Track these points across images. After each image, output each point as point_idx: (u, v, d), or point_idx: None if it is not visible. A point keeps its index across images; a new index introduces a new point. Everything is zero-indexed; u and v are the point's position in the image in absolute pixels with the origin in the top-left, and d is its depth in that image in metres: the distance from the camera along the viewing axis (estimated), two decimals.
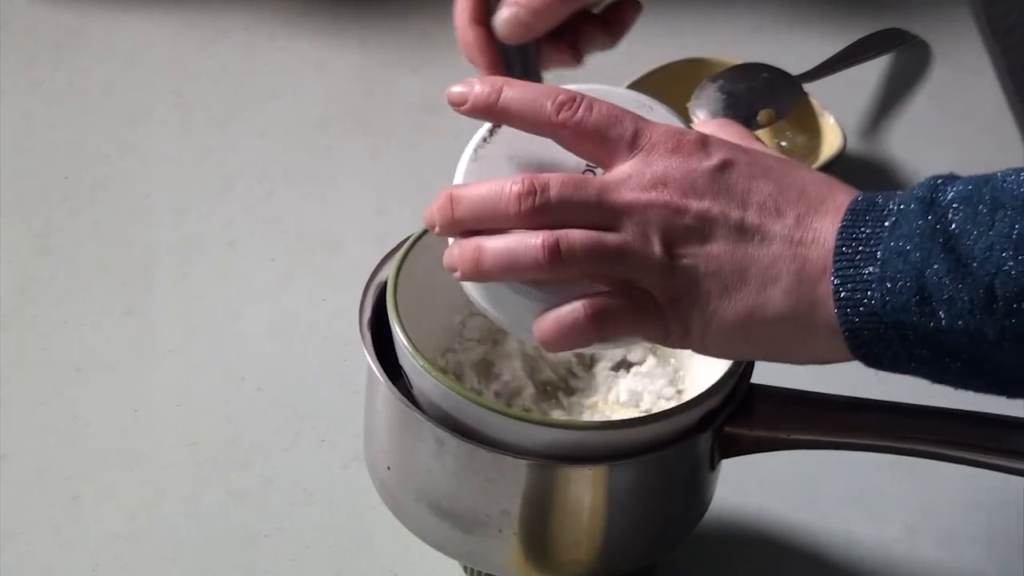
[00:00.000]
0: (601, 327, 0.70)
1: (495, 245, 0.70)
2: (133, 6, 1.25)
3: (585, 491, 0.79)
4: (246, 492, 0.92)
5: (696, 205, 0.69)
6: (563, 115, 0.70)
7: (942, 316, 0.65)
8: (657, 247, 0.69)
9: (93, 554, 0.89)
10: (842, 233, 0.67)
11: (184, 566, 0.89)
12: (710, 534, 0.89)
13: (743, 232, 0.68)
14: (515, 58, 0.80)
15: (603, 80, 0.76)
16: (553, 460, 0.77)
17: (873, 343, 0.67)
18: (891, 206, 0.67)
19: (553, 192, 0.69)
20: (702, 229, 0.69)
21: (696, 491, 0.83)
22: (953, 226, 0.65)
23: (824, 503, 0.94)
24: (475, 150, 0.74)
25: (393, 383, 0.79)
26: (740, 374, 0.80)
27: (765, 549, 0.91)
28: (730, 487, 0.87)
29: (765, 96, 1.14)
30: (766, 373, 0.81)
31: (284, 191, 1.12)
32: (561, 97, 0.71)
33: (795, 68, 1.18)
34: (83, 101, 1.18)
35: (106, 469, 0.93)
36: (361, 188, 1.12)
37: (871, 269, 0.65)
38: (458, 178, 0.74)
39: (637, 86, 1.13)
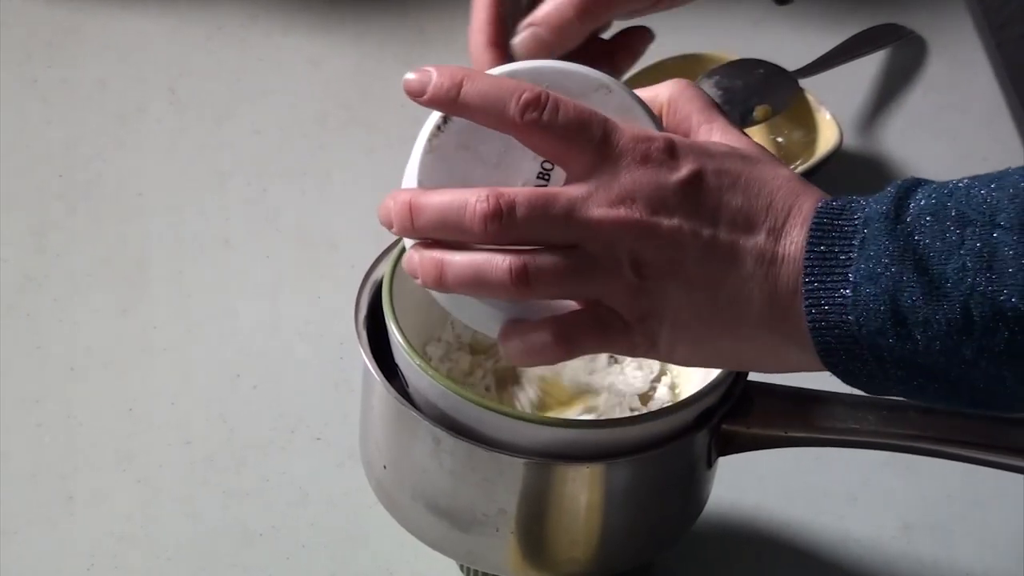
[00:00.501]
0: (567, 348, 0.70)
1: (460, 263, 0.69)
2: (127, 3, 1.24)
3: (582, 489, 0.79)
4: (241, 491, 0.92)
5: (666, 224, 0.67)
6: (528, 117, 0.68)
7: (918, 338, 0.64)
8: (626, 268, 0.68)
9: (88, 553, 0.88)
10: (809, 253, 0.66)
11: (179, 565, 0.88)
12: (707, 532, 0.89)
13: (714, 251, 0.67)
14: None
15: None
16: (550, 459, 0.77)
17: (849, 361, 0.67)
18: (856, 219, 0.66)
19: (520, 212, 0.68)
20: (672, 249, 0.67)
21: (693, 489, 0.83)
22: (921, 245, 0.64)
23: (821, 500, 0.93)
24: (429, 140, 0.71)
25: (389, 381, 0.79)
26: (737, 372, 0.79)
27: (762, 547, 0.91)
28: (727, 485, 0.87)
29: (761, 92, 1.13)
30: None
31: (279, 188, 1.12)
32: (526, 96, 0.68)
33: (791, 64, 1.18)
34: (77, 98, 1.17)
35: (101, 468, 0.93)
36: (357, 185, 1.12)
37: (844, 292, 0.65)
38: (411, 171, 0.72)
39: (632, 82, 1.13)
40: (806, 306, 0.66)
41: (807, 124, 1.15)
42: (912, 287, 0.64)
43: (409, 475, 0.80)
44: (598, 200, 0.68)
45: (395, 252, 0.82)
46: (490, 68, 0.75)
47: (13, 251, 1.05)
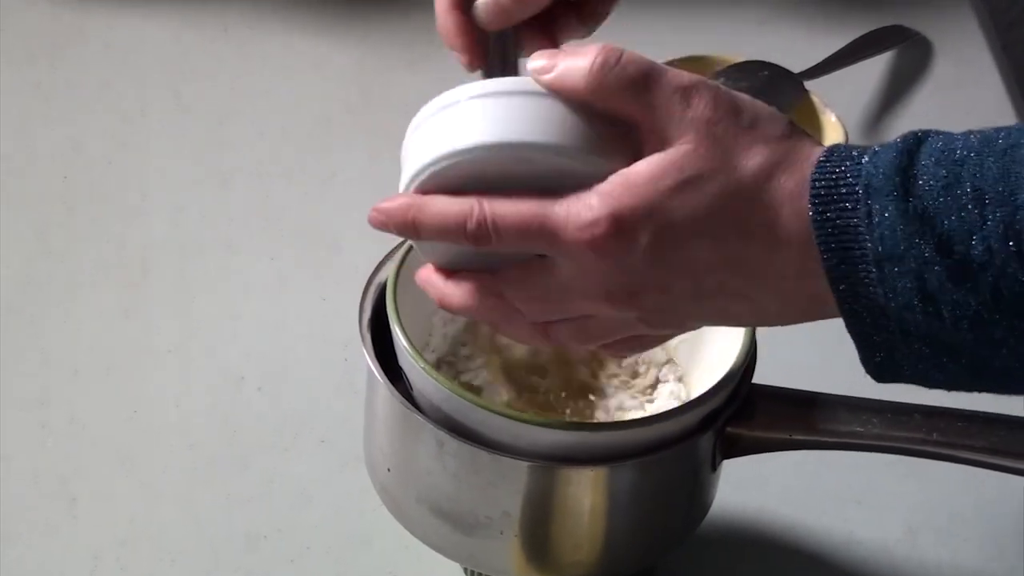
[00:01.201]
0: (619, 358, 0.81)
1: (509, 330, 0.73)
2: (131, 5, 1.24)
3: (586, 492, 0.78)
4: (245, 494, 0.92)
5: (649, 299, 0.68)
6: (482, 246, 0.69)
7: (946, 316, 0.63)
8: (635, 323, 0.70)
9: (91, 557, 0.88)
10: (819, 231, 0.65)
11: (183, 568, 0.88)
12: (711, 535, 0.89)
13: (705, 298, 0.68)
14: (493, 45, 0.79)
15: None
16: (554, 461, 0.77)
17: (874, 331, 0.65)
18: (857, 189, 0.64)
19: (527, 314, 0.70)
20: (667, 311, 0.69)
21: (697, 492, 0.83)
22: (939, 221, 0.63)
23: (825, 503, 0.93)
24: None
25: (393, 384, 0.79)
26: (742, 375, 0.79)
27: (766, 550, 0.91)
28: (731, 487, 0.87)
29: (766, 94, 1.12)
30: (767, 373, 0.81)
31: (282, 190, 1.12)
32: (471, 229, 0.68)
33: (796, 65, 1.18)
34: (81, 100, 1.17)
35: (104, 471, 0.93)
36: (360, 187, 1.12)
37: (871, 271, 0.64)
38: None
39: None
40: (832, 279, 0.65)
41: (812, 126, 1.15)
42: (936, 268, 0.63)
43: (413, 478, 0.80)
44: (578, 291, 0.69)
45: (399, 254, 0.82)
46: (453, 32, 0.78)
47: (16, 253, 1.05)
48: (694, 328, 0.73)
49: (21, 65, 1.20)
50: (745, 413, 0.80)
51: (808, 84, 1.16)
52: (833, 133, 1.13)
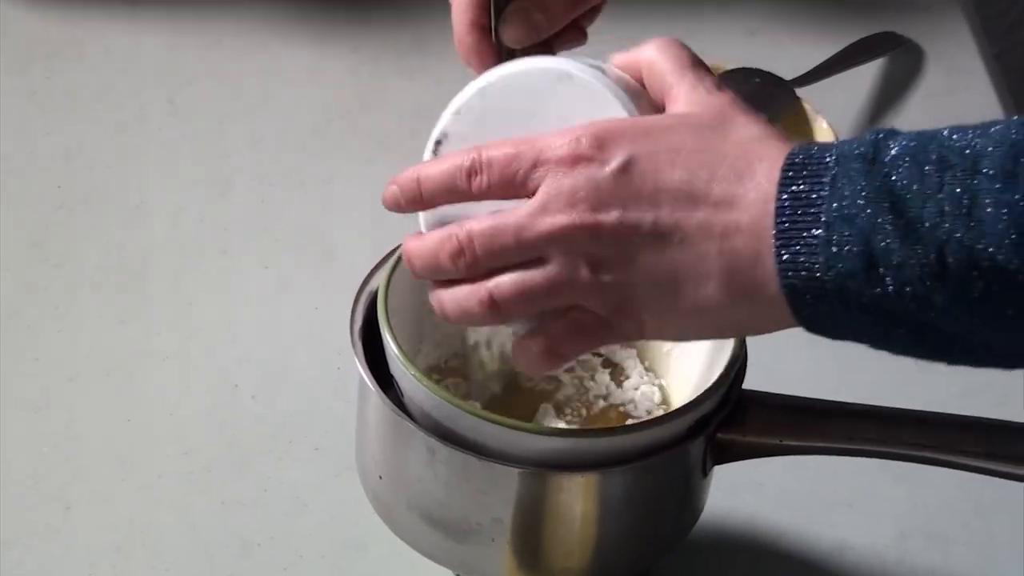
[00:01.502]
0: (556, 359, 0.73)
1: (450, 301, 0.73)
2: (126, 14, 1.25)
3: (577, 499, 0.79)
4: (239, 501, 0.92)
5: (606, 219, 0.68)
6: (475, 185, 0.70)
7: (889, 282, 0.63)
8: (584, 271, 0.69)
9: (87, 563, 0.89)
10: (782, 194, 0.65)
11: (178, 574, 0.89)
12: (703, 540, 0.90)
13: (661, 235, 0.67)
14: (506, 60, 0.80)
15: None
16: (545, 468, 0.77)
17: (815, 305, 0.65)
18: (828, 159, 0.65)
19: (477, 246, 0.70)
20: (620, 243, 0.68)
21: (688, 498, 0.83)
22: (899, 186, 0.63)
23: (816, 509, 0.94)
24: None
25: (385, 392, 0.79)
26: (732, 380, 0.80)
27: (757, 555, 0.91)
28: (723, 493, 0.87)
29: (758, 101, 1.13)
30: (758, 379, 0.81)
31: (277, 198, 1.12)
32: (467, 167, 0.71)
33: (788, 72, 1.18)
34: (77, 108, 1.18)
35: (100, 477, 0.93)
36: (355, 195, 1.12)
37: (816, 232, 0.64)
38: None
39: None
40: (776, 247, 0.65)
41: (805, 133, 1.15)
42: (887, 229, 0.63)
43: (404, 485, 0.80)
44: (547, 211, 0.69)
45: (391, 262, 0.82)
46: (473, 50, 0.79)
47: (13, 261, 1.05)
48: (645, 313, 0.69)
49: (18, 72, 1.20)
50: (736, 419, 0.80)
51: (800, 91, 1.17)
52: (825, 140, 1.14)
